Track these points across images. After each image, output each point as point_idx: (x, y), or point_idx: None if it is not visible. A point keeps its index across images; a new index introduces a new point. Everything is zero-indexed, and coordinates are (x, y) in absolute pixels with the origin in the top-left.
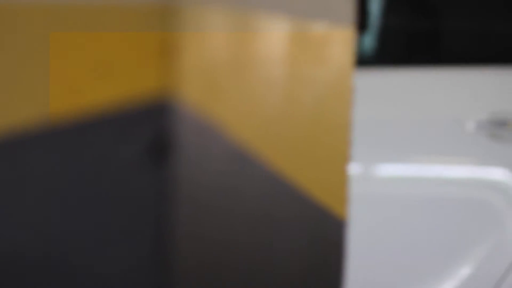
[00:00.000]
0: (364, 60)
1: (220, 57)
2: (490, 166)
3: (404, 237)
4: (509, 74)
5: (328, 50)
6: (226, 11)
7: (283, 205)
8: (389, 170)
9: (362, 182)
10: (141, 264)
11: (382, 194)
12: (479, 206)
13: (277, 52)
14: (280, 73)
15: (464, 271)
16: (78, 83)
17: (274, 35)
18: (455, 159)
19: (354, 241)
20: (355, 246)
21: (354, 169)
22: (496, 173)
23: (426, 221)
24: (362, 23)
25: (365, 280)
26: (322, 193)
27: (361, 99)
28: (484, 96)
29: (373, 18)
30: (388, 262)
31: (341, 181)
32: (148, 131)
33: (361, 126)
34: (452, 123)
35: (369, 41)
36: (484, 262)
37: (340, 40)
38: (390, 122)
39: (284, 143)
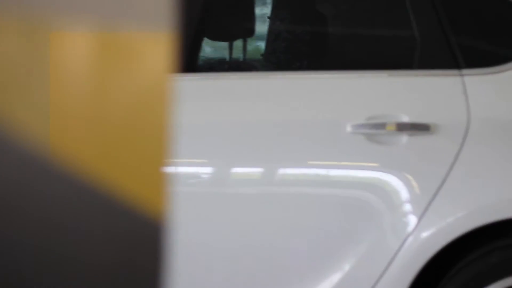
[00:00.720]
0: (250, 65)
1: (13, 57)
2: (368, 168)
3: (281, 238)
4: (389, 78)
5: (141, 53)
6: (23, 12)
7: (89, 207)
8: (268, 171)
9: (240, 183)
10: None
11: (259, 194)
12: (357, 206)
13: (82, 53)
14: (87, 75)
15: (343, 270)
16: None
17: (80, 36)
18: (333, 160)
19: (229, 241)
20: (229, 246)
21: (231, 170)
22: (373, 174)
23: (303, 221)
24: (248, 28)
25: (243, 282)
26: (136, 193)
27: (246, 102)
28: (363, 99)
29: (260, 23)
30: (266, 263)
31: (157, 181)
32: None
33: (241, 129)
34: (331, 126)
35: (256, 46)
36: (362, 261)
37: (155, 43)
38: (270, 124)
39: (93, 144)
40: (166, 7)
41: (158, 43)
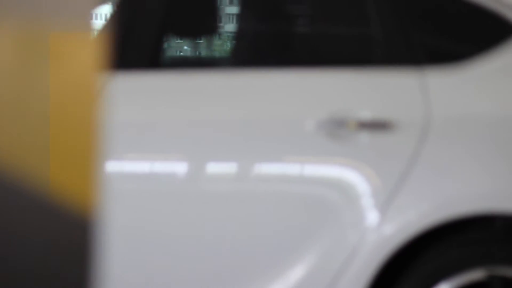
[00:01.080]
0: (216, 62)
1: None
2: (329, 164)
3: (243, 233)
4: (349, 75)
5: (65, 53)
6: None
7: (14, 207)
8: (232, 168)
9: (201, 180)
10: None
11: (222, 191)
12: (318, 203)
13: (3, 53)
14: (8, 75)
15: (303, 266)
16: None
17: (10, 36)
18: (294, 157)
19: (191, 237)
20: (192, 242)
21: (192, 168)
22: (334, 172)
23: (265, 217)
24: (212, 27)
25: (206, 277)
26: (63, 192)
27: (208, 100)
28: (326, 96)
29: (225, 22)
30: (229, 258)
31: (85, 180)
32: None
33: (202, 127)
34: (292, 123)
35: (221, 44)
36: (322, 256)
37: (78, 42)
38: (233, 121)
39: (18, 144)
40: (87, 8)
41: (86, 43)
